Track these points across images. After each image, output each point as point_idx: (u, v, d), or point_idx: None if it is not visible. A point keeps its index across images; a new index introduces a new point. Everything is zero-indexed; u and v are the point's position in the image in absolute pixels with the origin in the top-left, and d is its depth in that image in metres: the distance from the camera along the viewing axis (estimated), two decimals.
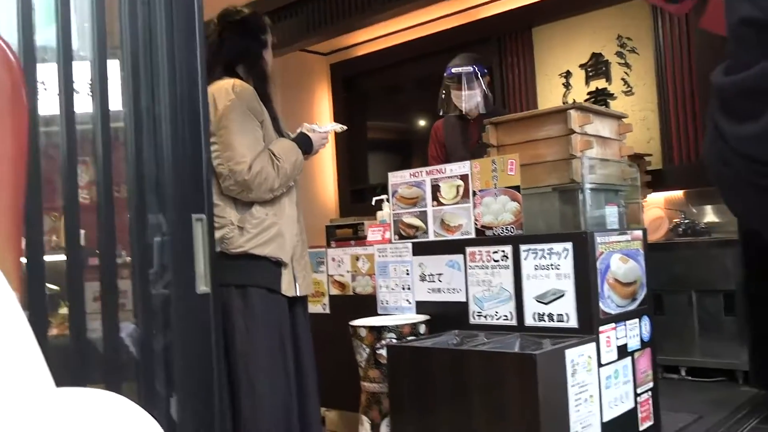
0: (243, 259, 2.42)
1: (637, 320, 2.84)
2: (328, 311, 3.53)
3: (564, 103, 5.52)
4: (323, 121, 6.97)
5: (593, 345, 2.55)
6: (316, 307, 3.49)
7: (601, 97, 5.46)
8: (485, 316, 2.85)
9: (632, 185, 3.24)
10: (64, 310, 1.56)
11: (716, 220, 4.87)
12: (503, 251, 2.80)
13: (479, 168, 2.93)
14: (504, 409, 2.32)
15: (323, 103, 7.37)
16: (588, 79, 5.57)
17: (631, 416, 2.75)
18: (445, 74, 3.97)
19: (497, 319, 2.81)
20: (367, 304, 3.30)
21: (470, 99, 3.90)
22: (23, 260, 1.43)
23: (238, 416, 2.39)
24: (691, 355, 4.37)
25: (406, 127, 7.20)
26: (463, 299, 2.92)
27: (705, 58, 4.79)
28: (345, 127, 2.80)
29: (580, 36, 5.58)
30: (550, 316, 2.66)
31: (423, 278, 3.08)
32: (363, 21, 5.73)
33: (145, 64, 1.61)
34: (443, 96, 4.01)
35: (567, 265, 2.63)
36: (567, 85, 5.67)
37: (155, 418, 1.61)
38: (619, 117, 3.26)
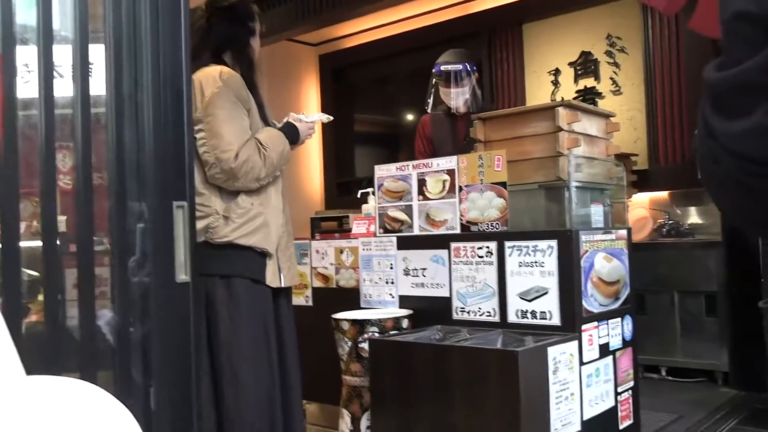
0: (228, 249, 2.40)
1: (619, 319, 2.85)
2: (310, 304, 3.51)
3: (552, 100, 5.53)
4: (310, 112, 6.94)
5: (575, 343, 2.54)
6: (298, 300, 3.47)
7: (589, 95, 5.46)
8: (468, 312, 2.84)
9: (618, 184, 3.24)
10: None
11: (700, 221, 4.90)
12: (488, 247, 2.79)
13: (466, 163, 2.92)
14: (485, 406, 2.31)
15: (311, 94, 7.33)
16: (577, 78, 5.57)
17: (611, 415, 2.76)
18: (434, 71, 3.95)
19: (480, 315, 2.80)
20: (350, 298, 3.28)
21: (458, 96, 3.88)
22: None
23: (221, 407, 2.37)
24: (672, 355, 4.39)
25: (394, 121, 7.19)
26: (447, 294, 2.91)
27: (694, 60, 4.81)
28: (331, 118, 2.77)
29: (570, 34, 5.58)
30: (533, 313, 2.66)
31: (407, 272, 3.07)
32: (353, 12, 5.70)
33: (128, 48, 1.57)
34: (431, 92, 3.99)
35: (551, 262, 2.62)
36: (556, 83, 5.67)
37: (132, 408, 1.58)
38: (606, 116, 3.26)
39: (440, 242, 2.95)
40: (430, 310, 2.95)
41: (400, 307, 3.08)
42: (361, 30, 6.77)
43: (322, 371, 3.14)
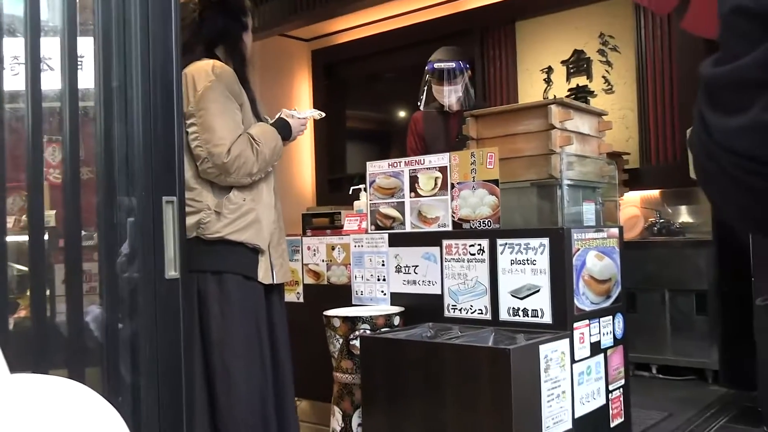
0: (219, 245, 2.38)
1: (610, 317, 2.85)
2: (301, 300, 3.50)
3: (545, 98, 5.53)
4: (302, 108, 6.92)
5: (567, 341, 2.54)
6: (290, 296, 3.45)
7: (581, 94, 5.46)
8: (460, 310, 2.84)
9: (610, 183, 3.24)
10: None
11: (691, 220, 4.91)
12: (480, 245, 2.78)
13: (458, 160, 2.91)
14: (476, 404, 2.30)
15: (303, 89, 7.30)
16: (569, 76, 5.57)
17: (602, 413, 2.76)
18: (426, 68, 3.93)
19: (472, 312, 2.80)
20: (342, 294, 3.27)
21: (451, 94, 3.87)
22: None
23: (214, 404, 2.35)
24: (662, 354, 4.40)
25: (386, 117, 7.17)
26: (439, 292, 2.91)
27: (686, 60, 4.81)
28: (323, 114, 2.76)
29: (562, 32, 5.58)
30: (525, 311, 2.65)
31: (398, 270, 3.06)
32: (346, 7, 5.68)
33: (117, 40, 1.55)
34: (424, 90, 3.98)
35: (543, 260, 2.62)
36: (548, 81, 5.67)
37: (120, 406, 1.57)
38: (599, 114, 3.25)
39: (432, 239, 2.94)
40: (421, 308, 2.94)
41: (392, 304, 3.07)
42: (354, 26, 6.75)
43: (313, 368, 3.13)
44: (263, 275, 2.45)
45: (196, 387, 2.31)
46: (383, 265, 3.12)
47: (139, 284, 1.59)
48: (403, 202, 3.07)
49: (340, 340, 2.86)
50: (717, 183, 0.72)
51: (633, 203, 5.08)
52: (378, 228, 3.16)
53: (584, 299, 2.67)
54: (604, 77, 5.39)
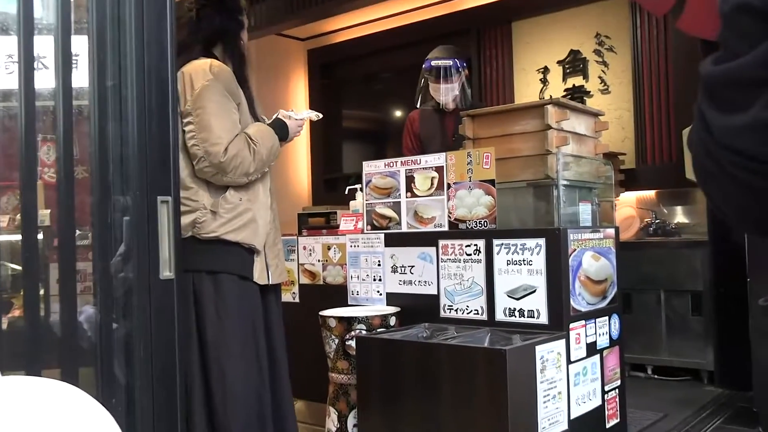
0: (215, 245, 2.37)
1: (606, 318, 2.84)
2: (297, 300, 3.49)
3: (541, 98, 5.53)
4: (298, 108, 6.90)
5: (563, 342, 2.54)
6: (285, 296, 3.44)
7: (577, 94, 5.47)
8: (456, 310, 2.83)
9: (606, 183, 3.24)
10: None
11: (686, 220, 4.92)
12: (476, 245, 2.78)
13: (454, 160, 2.90)
14: (472, 404, 2.30)
15: (299, 89, 7.29)
16: (565, 76, 5.57)
17: (598, 413, 2.76)
18: (424, 66, 3.93)
19: (468, 313, 2.79)
20: (338, 294, 3.26)
21: (448, 92, 3.86)
22: None
23: (211, 404, 2.34)
24: (657, 354, 4.41)
25: (382, 117, 7.17)
26: (435, 292, 2.90)
27: (682, 60, 4.82)
28: (321, 115, 2.75)
29: (559, 32, 5.58)
30: (521, 311, 2.65)
31: (395, 270, 3.05)
32: (342, 6, 5.67)
33: (112, 39, 1.54)
34: (421, 88, 3.97)
35: (539, 261, 2.62)
36: (544, 81, 5.67)
37: (115, 407, 1.56)
38: (595, 114, 3.25)
39: (428, 240, 2.93)
40: (417, 308, 2.94)
41: (388, 304, 3.07)
42: (350, 25, 6.74)
43: (309, 368, 3.12)
44: (259, 275, 2.44)
45: (194, 387, 2.31)
46: (379, 265, 3.11)
47: (133, 284, 1.58)
48: (400, 202, 3.06)
49: (336, 341, 2.85)
50: (716, 182, 0.72)
51: (629, 204, 5.08)
52: (374, 228, 3.15)
53: (580, 300, 2.67)
54: (600, 77, 5.40)
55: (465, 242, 2.81)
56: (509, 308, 2.68)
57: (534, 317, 2.62)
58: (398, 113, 6.85)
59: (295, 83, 7.26)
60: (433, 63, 3.87)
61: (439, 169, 2.95)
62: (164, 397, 1.62)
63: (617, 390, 2.91)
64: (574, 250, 2.65)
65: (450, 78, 3.84)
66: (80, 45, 1.55)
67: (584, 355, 2.67)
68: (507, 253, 2.69)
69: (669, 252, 4.46)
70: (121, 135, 1.57)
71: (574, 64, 5.52)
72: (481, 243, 2.76)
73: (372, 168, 3.17)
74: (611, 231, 2.96)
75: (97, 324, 1.55)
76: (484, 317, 2.74)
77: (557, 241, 2.59)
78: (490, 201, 2.79)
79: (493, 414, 2.24)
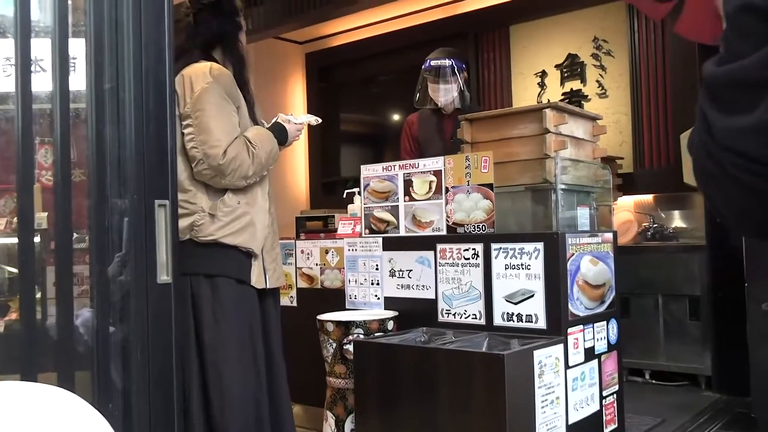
0: (213, 248, 2.36)
1: (604, 323, 2.84)
2: (295, 304, 3.48)
3: (539, 102, 5.53)
4: (297, 111, 6.91)
5: (561, 346, 2.53)
6: (283, 300, 3.43)
7: (575, 98, 5.47)
8: (454, 314, 2.82)
9: (604, 187, 3.24)
10: None
11: (684, 225, 4.91)
12: (474, 249, 2.77)
13: (453, 164, 2.90)
14: (470, 410, 2.29)
15: (297, 92, 7.29)
16: (563, 80, 5.57)
17: (596, 419, 2.75)
18: (423, 66, 3.93)
19: (466, 317, 2.78)
20: (335, 299, 3.25)
21: (447, 93, 3.87)
22: None
23: (208, 408, 2.33)
24: (655, 359, 4.40)
25: (380, 121, 7.16)
26: (432, 296, 2.89)
27: (679, 64, 4.82)
28: (320, 120, 2.74)
29: (556, 36, 5.58)
30: (519, 316, 2.64)
31: (392, 274, 3.04)
32: (339, 10, 5.67)
33: (110, 42, 1.54)
34: (420, 88, 3.97)
35: (537, 265, 2.61)
36: (542, 85, 5.67)
37: (111, 412, 1.55)
38: (593, 118, 3.25)
39: (426, 244, 2.93)
40: (415, 312, 2.93)
41: (386, 308, 3.06)
42: (348, 29, 6.74)
43: (306, 373, 3.11)
44: (256, 279, 2.43)
45: (192, 391, 2.30)
46: (377, 269, 3.10)
47: (130, 288, 1.57)
48: (398, 205, 3.06)
49: (334, 345, 2.84)
50: (717, 184, 0.71)
51: (626, 208, 5.08)
52: (372, 232, 3.15)
53: (578, 304, 2.66)
54: (597, 81, 5.40)
55: (463, 246, 2.80)
56: (507, 313, 2.67)
57: (532, 322, 2.61)
58: (396, 117, 6.85)
59: (293, 87, 7.25)
60: (432, 63, 3.88)
61: (437, 173, 2.94)
62: (161, 402, 1.61)
63: (615, 395, 2.90)
64: (573, 254, 2.65)
65: (449, 78, 3.84)
66: (78, 48, 1.55)
67: (582, 360, 2.66)
68: (505, 258, 2.69)
69: (667, 256, 4.46)
70: (119, 138, 1.56)
71: (572, 68, 5.52)
72: (479, 247, 2.76)
73: (370, 172, 3.16)
74: (609, 235, 2.96)
75: (93, 328, 1.54)
76: (482, 322, 2.73)
77: (555, 245, 2.59)
78: (489, 205, 2.79)
79: (491, 419, 2.23)
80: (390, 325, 2.87)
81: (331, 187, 7.09)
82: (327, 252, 3.35)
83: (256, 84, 2.66)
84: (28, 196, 1.41)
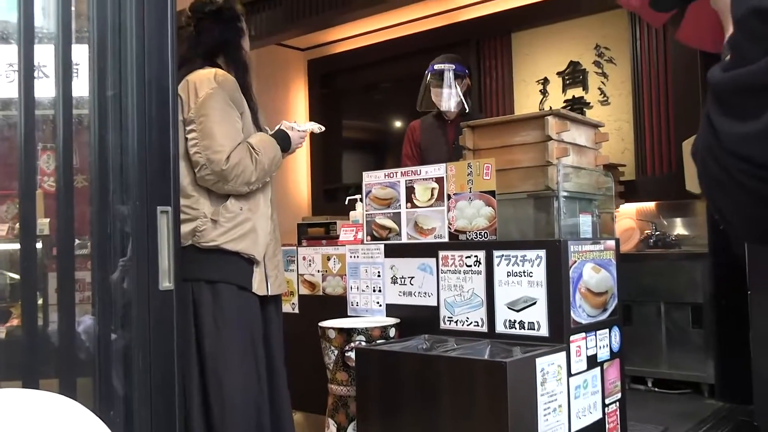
0: (215, 254, 2.36)
1: (607, 331, 2.83)
2: (297, 311, 3.47)
3: (541, 109, 5.53)
4: (298, 117, 6.91)
5: (563, 354, 2.52)
6: (285, 307, 3.41)
7: (577, 105, 5.47)
8: (456, 322, 2.81)
9: (606, 195, 3.23)
10: None
11: (686, 232, 4.91)
12: (476, 256, 2.76)
13: (455, 171, 2.90)
14: (472, 417, 2.28)
15: (299, 99, 7.30)
16: (565, 87, 5.58)
17: (598, 427, 2.73)
18: (427, 71, 3.95)
19: (468, 324, 2.77)
20: (337, 305, 3.25)
21: (450, 97, 3.87)
22: None
23: (209, 416, 2.33)
24: (658, 367, 4.39)
25: (382, 128, 7.17)
26: (434, 303, 2.89)
27: (681, 72, 4.83)
28: (323, 128, 2.74)
29: (558, 43, 5.59)
30: (521, 323, 2.63)
31: (394, 281, 3.04)
32: (342, 16, 5.68)
33: (113, 48, 1.54)
34: (423, 92, 3.99)
35: (540, 272, 2.60)
36: (544, 92, 5.68)
37: (113, 419, 1.54)
38: (595, 125, 3.25)
39: (428, 251, 2.92)
40: (417, 319, 2.92)
41: (388, 315, 3.05)
42: (350, 36, 6.76)
43: (308, 380, 3.10)
44: (258, 286, 2.43)
45: (192, 397, 2.30)
46: (379, 276, 3.10)
47: (132, 295, 1.56)
48: (400, 212, 3.05)
49: (336, 352, 2.83)
50: (723, 191, 0.71)
51: (629, 215, 5.08)
52: (374, 238, 3.14)
53: (581, 312, 2.65)
54: (599, 89, 5.40)
55: (465, 253, 2.80)
56: (509, 320, 2.67)
57: (534, 329, 2.60)
58: (398, 124, 6.85)
59: (295, 93, 7.26)
60: (436, 66, 3.90)
61: (439, 180, 2.94)
62: (163, 409, 1.61)
63: (618, 403, 2.89)
64: (575, 261, 2.64)
65: (452, 83, 3.85)
66: (81, 54, 1.55)
67: (585, 367, 2.65)
68: (507, 265, 2.68)
69: (669, 264, 4.45)
70: (121, 144, 1.56)
71: (574, 75, 5.53)
72: (481, 254, 2.75)
73: (372, 178, 3.16)
74: (612, 243, 2.95)
75: (95, 334, 1.54)
76: (484, 329, 2.73)
77: (558, 252, 2.58)
78: (491, 212, 2.78)
79: (493, 427, 2.22)
80: (392, 332, 2.87)
81: (333, 193, 7.09)
82: (329, 259, 3.34)
83: (259, 90, 2.66)
84: (31, 202, 1.41)
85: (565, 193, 2.87)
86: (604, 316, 2.82)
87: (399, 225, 3.05)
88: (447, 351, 2.61)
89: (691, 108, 4.56)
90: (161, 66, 1.60)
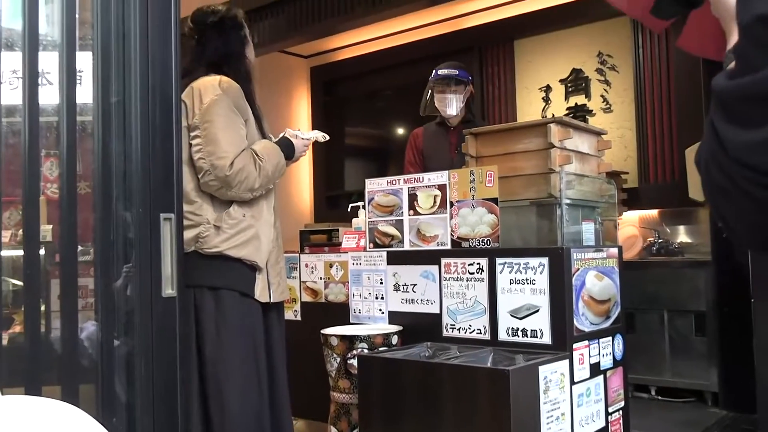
0: (217, 260, 2.36)
1: (610, 338, 2.82)
2: (299, 318, 3.47)
3: (543, 117, 5.53)
4: (301, 124, 6.92)
5: (566, 362, 2.51)
6: (287, 314, 3.40)
7: (580, 113, 5.47)
8: (458, 329, 2.81)
9: (609, 202, 3.23)
10: None
11: (689, 240, 4.90)
12: (479, 264, 2.76)
13: (457, 178, 2.90)
14: (475, 426, 2.27)
15: (302, 106, 7.31)
16: (567, 95, 5.58)
17: None
18: (431, 78, 3.96)
19: (470, 332, 2.77)
20: (340, 313, 3.24)
21: (453, 103, 3.88)
22: None
23: (209, 423, 2.32)
24: (661, 375, 4.37)
25: (385, 135, 7.17)
26: (437, 311, 2.88)
27: (684, 79, 4.82)
28: (327, 137, 2.75)
29: (561, 51, 5.59)
30: (524, 331, 2.63)
31: (397, 288, 3.03)
32: (345, 24, 5.69)
33: (116, 55, 1.54)
34: (427, 98, 4.00)
35: (542, 280, 2.60)
36: (546, 100, 5.68)
37: (115, 426, 1.54)
38: (598, 133, 3.25)
39: (431, 258, 2.92)
40: (419, 327, 2.91)
41: (390, 323, 3.04)
42: (353, 43, 6.77)
43: (310, 387, 3.09)
44: (260, 293, 2.43)
45: (192, 404, 2.29)
46: (381, 283, 3.09)
47: (135, 302, 1.56)
48: (402, 220, 3.05)
49: (338, 359, 2.83)
50: (728, 198, 0.70)
51: (631, 223, 5.07)
52: (376, 246, 3.14)
53: (584, 320, 2.65)
54: (602, 96, 5.40)
55: (468, 261, 2.79)
56: (512, 328, 2.66)
57: (537, 337, 2.60)
58: (401, 131, 6.86)
59: (297, 100, 7.27)
60: (440, 72, 3.91)
61: (442, 188, 2.94)
62: (165, 416, 1.60)
63: (621, 411, 2.88)
64: (578, 269, 2.64)
65: (456, 88, 3.86)
66: (85, 61, 1.55)
67: (588, 375, 2.65)
68: (510, 272, 2.68)
69: (672, 272, 4.44)
70: (125, 151, 1.56)
71: (577, 82, 5.53)
72: (483, 262, 2.75)
73: (375, 185, 3.16)
74: (614, 250, 2.95)
75: (98, 341, 1.53)
76: (487, 337, 2.72)
77: (560, 260, 2.58)
78: (493, 219, 2.78)
79: None
80: (394, 339, 2.86)
81: (335, 200, 7.09)
82: (331, 266, 3.34)
83: (261, 97, 2.66)
84: (34, 208, 1.41)
85: (568, 201, 2.86)
86: (607, 324, 2.81)
87: (401, 232, 3.05)
88: (449, 359, 2.60)
89: (694, 115, 4.56)
90: (164, 73, 1.61)
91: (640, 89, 5.18)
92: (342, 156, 7.26)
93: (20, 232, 1.52)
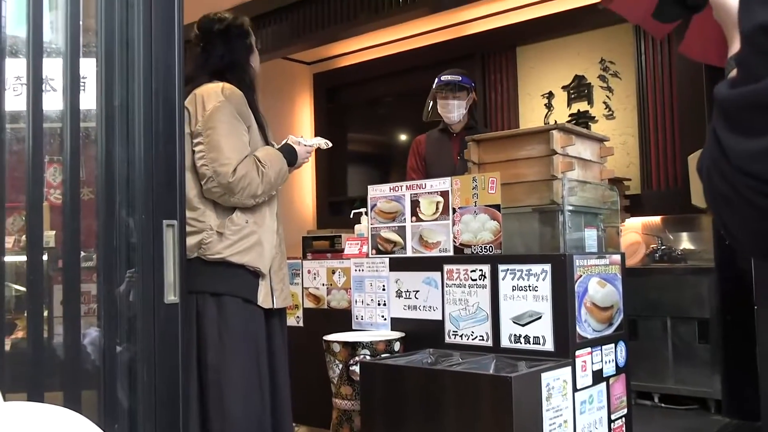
0: (220, 267, 2.36)
1: (612, 345, 2.81)
2: (301, 324, 3.47)
3: (546, 123, 5.53)
4: (304, 131, 6.93)
5: (569, 369, 2.51)
6: (289, 320, 3.42)
7: (582, 119, 5.47)
8: (461, 336, 2.81)
9: (612, 209, 3.23)
10: None
11: (692, 247, 4.89)
12: (481, 270, 2.76)
13: (460, 185, 2.90)
14: None
15: (304, 112, 7.32)
16: (570, 101, 5.58)
17: None
18: (434, 84, 3.97)
19: (473, 339, 2.77)
20: (342, 319, 3.24)
21: (455, 109, 3.88)
22: None
23: (208, 427, 2.32)
24: (664, 382, 4.36)
25: (387, 141, 7.18)
26: (439, 317, 2.88)
27: (686, 86, 4.83)
28: (330, 144, 2.76)
29: (563, 57, 5.60)
30: (527, 338, 2.63)
31: (399, 294, 3.03)
32: (348, 31, 5.71)
33: (120, 62, 1.55)
34: (430, 104, 4.00)
35: (545, 287, 2.60)
36: (549, 106, 5.68)
37: (117, 431, 1.53)
38: (600, 140, 3.25)
39: (433, 264, 2.92)
40: (422, 333, 2.91)
41: (392, 329, 3.04)
42: (356, 50, 6.79)
43: (312, 393, 3.09)
44: (263, 299, 2.43)
45: (191, 410, 2.29)
46: (384, 289, 3.09)
47: (138, 308, 1.56)
48: (404, 226, 3.05)
49: (340, 366, 2.83)
50: (731, 207, 0.70)
51: (634, 229, 5.06)
52: (379, 252, 3.14)
53: (586, 326, 2.64)
54: (604, 103, 5.41)
55: (470, 267, 2.79)
56: (515, 334, 2.66)
57: (540, 344, 2.59)
58: (403, 137, 6.87)
59: (300, 107, 7.29)
60: (443, 78, 3.92)
61: (444, 194, 2.94)
62: (167, 423, 1.60)
63: (624, 419, 2.87)
64: (580, 276, 2.63)
65: (458, 94, 3.87)
66: (88, 67, 1.56)
67: (590, 382, 2.64)
68: (512, 279, 2.67)
69: (675, 278, 4.43)
70: (128, 157, 1.57)
71: (579, 89, 5.53)
72: (486, 268, 2.74)
73: (377, 192, 3.17)
74: (617, 257, 2.94)
75: (101, 347, 1.54)
76: (489, 343, 2.72)
77: (563, 267, 2.57)
78: (496, 226, 2.78)
79: None
80: (397, 346, 2.86)
81: (337, 206, 7.09)
82: (334, 272, 3.34)
83: (264, 104, 2.67)
84: (37, 214, 1.42)
85: (571, 207, 2.86)
86: (610, 331, 2.80)
87: (404, 238, 3.05)
88: (452, 365, 2.60)
89: (697, 122, 4.56)
90: (168, 79, 1.61)
91: (642, 96, 5.18)
92: (344, 162, 7.27)
93: (23, 237, 1.52)
